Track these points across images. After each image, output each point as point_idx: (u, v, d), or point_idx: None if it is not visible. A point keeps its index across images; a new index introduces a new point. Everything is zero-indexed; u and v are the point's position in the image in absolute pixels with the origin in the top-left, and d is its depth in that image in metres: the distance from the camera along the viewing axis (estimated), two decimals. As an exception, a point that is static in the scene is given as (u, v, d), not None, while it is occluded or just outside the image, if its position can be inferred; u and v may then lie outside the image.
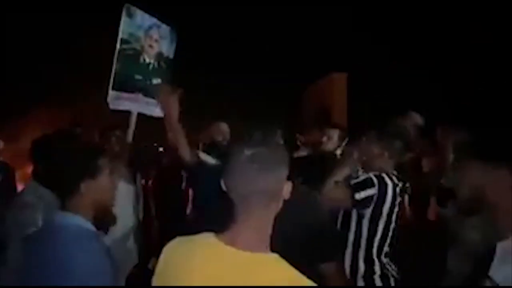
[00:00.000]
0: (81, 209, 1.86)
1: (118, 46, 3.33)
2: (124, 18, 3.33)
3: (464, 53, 7.03)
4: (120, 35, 3.33)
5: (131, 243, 3.72)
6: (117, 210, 3.43)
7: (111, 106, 3.43)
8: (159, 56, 3.73)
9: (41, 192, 2.60)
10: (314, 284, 1.30)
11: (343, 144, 4.15)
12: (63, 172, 1.89)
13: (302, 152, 4.43)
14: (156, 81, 3.75)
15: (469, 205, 1.78)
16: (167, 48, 3.80)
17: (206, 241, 1.42)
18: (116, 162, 3.64)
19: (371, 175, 2.80)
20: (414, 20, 7.46)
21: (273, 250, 1.39)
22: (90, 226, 1.87)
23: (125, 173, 3.88)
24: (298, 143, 4.93)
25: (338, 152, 4.10)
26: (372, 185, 2.75)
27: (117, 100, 3.44)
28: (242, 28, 7.76)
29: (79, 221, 1.84)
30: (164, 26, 3.73)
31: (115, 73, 3.36)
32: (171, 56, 3.88)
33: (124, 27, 3.35)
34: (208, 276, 1.34)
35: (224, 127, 3.98)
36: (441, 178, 3.99)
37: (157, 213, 4.62)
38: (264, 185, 1.35)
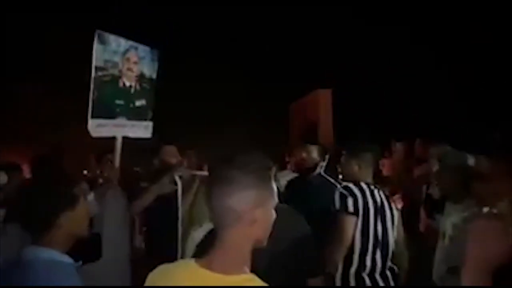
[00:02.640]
0: (57, 242, 1.80)
1: (93, 74, 3.25)
2: (96, 46, 3.23)
3: (463, 54, 6.74)
4: (94, 63, 3.25)
5: (126, 270, 3.72)
6: (109, 236, 3.48)
7: (93, 134, 3.36)
8: (141, 77, 3.64)
9: None
10: None
11: (325, 161, 4.06)
12: (41, 206, 1.81)
13: (287, 171, 4.38)
14: (139, 102, 3.67)
15: None
16: (148, 68, 3.70)
17: (186, 266, 1.48)
18: (108, 186, 3.67)
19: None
20: (407, 26, 7.20)
21: (258, 268, 1.45)
22: (66, 259, 1.81)
23: (119, 198, 3.87)
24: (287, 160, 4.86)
25: (318, 169, 4.02)
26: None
27: (99, 128, 3.38)
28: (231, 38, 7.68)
29: (54, 255, 1.78)
30: (142, 46, 3.62)
31: (93, 102, 3.29)
32: (154, 75, 3.78)
33: (98, 55, 3.25)
34: None
35: (174, 149, 3.87)
36: (428, 189, 4.01)
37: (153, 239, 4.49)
38: (227, 205, 1.39)
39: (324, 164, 4.01)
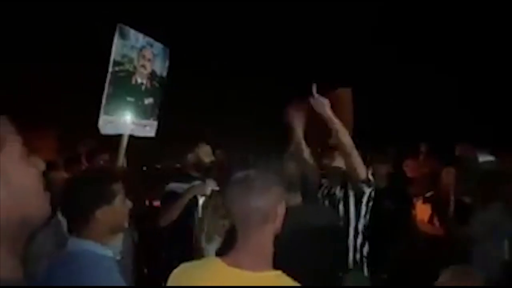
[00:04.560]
0: (97, 235, 1.82)
1: (110, 68, 3.17)
2: (117, 39, 3.16)
3: (467, 55, 6.97)
4: (112, 57, 3.17)
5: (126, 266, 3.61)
6: None
7: (102, 131, 3.28)
8: (152, 75, 3.59)
9: None
10: None
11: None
12: (79, 199, 1.83)
13: None
14: (148, 101, 3.61)
15: None
16: (160, 67, 3.66)
17: (211, 264, 1.50)
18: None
19: None
20: (418, 25, 7.37)
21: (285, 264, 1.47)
22: (106, 251, 1.83)
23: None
24: None
25: None
26: None
27: (108, 125, 3.30)
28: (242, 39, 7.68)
29: (94, 247, 1.79)
30: (157, 44, 3.58)
31: (106, 98, 3.21)
32: (164, 74, 3.74)
33: (117, 49, 3.19)
34: None
35: (208, 148, 3.91)
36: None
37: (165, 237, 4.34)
38: (254, 205, 1.44)
39: None
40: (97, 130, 3.25)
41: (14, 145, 0.97)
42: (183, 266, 1.56)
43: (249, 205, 1.44)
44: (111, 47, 3.17)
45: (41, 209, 1.01)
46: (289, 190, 2.27)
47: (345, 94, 6.39)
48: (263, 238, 1.48)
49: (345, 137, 2.79)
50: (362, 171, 2.81)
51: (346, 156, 2.82)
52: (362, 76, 7.03)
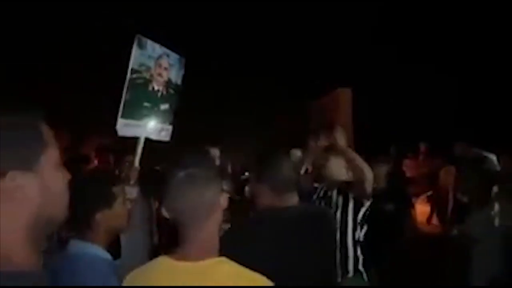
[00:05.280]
0: (96, 238, 1.85)
1: (128, 75, 3.34)
2: (135, 49, 3.33)
3: (468, 55, 7.05)
4: (130, 65, 3.34)
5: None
6: (129, 234, 3.52)
7: (120, 133, 3.43)
8: (168, 83, 3.75)
9: None
10: (259, 277, 1.50)
11: None
12: (78, 202, 1.73)
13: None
14: (164, 107, 3.77)
15: None
16: (175, 75, 3.82)
17: (160, 263, 1.55)
18: (126, 185, 3.70)
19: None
20: (418, 25, 7.43)
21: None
22: (106, 255, 1.87)
23: (138, 196, 3.91)
24: None
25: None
26: None
27: (126, 127, 3.45)
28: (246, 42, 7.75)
29: (95, 250, 1.82)
30: (173, 54, 3.75)
31: (124, 102, 3.37)
32: (179, 82, 3.90)
33: (135, 57, 3.35)
34: None
35: (217, 151, 4.26)
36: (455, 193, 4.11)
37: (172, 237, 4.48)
38: (200, 199, 1.51)
39: None
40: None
41: (54, 151, 1.09)
42: (135, 271, 1.60)
43: (197, 200, 1.51)
44: (129, 55, 3.33)
45: (64, 211, 1.12)
46: (286, 190, 2.32)
47: (345, 94, 6.39)
48: (211, 228, 1.56)
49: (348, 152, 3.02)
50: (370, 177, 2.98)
51: (353, 167, 3.03)
52: (362, 76, 7.09)
